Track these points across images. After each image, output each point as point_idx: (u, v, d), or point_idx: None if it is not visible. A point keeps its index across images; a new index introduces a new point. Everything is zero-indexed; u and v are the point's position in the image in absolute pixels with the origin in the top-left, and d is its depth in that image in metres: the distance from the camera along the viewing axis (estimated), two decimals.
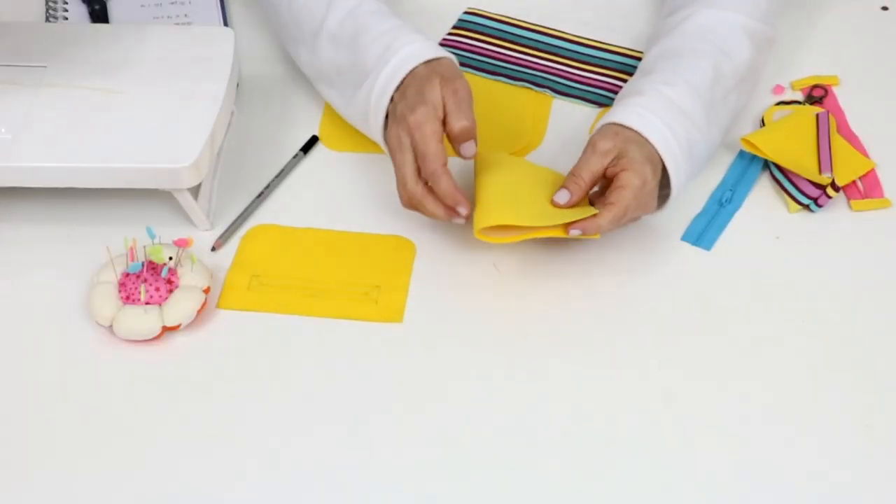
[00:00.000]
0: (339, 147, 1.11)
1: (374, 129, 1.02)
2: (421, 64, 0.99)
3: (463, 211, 0.96)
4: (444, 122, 0.97)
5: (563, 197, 0.96)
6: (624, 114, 0.99)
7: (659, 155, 0.97)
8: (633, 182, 0.95)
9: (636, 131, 0.97)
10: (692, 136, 0.99)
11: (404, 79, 0.99)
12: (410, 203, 0.98)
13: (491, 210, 0.96)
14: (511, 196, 0.98)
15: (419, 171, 0.97)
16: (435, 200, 0.97)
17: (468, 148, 0.98)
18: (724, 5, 1.06)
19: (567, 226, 0.96)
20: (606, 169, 0.96)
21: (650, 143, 0.97)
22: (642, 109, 0.98)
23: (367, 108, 1.02)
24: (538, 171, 1.03)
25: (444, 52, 1.01)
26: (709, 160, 1.04)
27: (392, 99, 1.00)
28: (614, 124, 0.99)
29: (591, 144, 0.98)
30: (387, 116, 1.01)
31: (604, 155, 0.96)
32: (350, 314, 0.98)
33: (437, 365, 0.94)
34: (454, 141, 0.98)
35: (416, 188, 0.97)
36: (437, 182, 0.96)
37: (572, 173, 0.97)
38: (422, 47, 1.01)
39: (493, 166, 1.00)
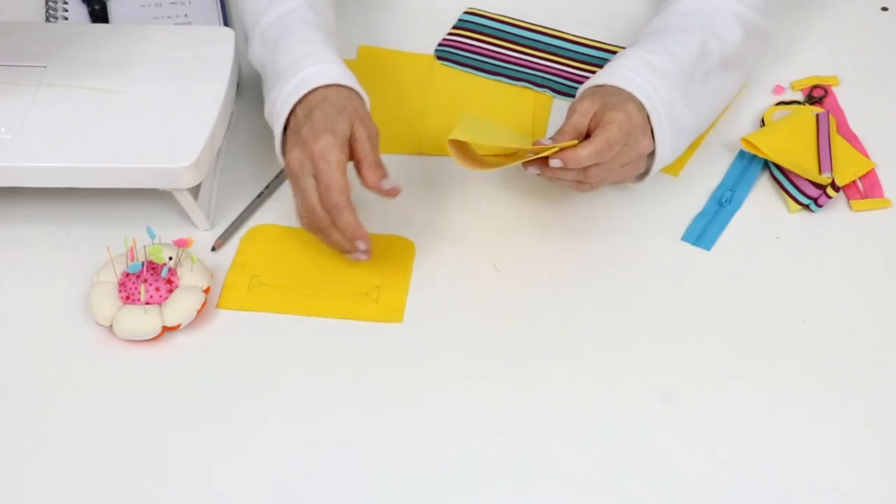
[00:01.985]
0: None
1: (276, 136, 1.00)
2: (330, 87, 0.97)
3: (361, 246, 0.95)
4: (355, 162, 0.96)
5: (545, 143, 0.96)
6: (603, 76, 0.99)
7: (640, 102, 0.96)
8: (616, 117, 0.94)
9: (615, 86, 0.97)
10: (674, 100, 0.99)
11: (308, 94, 0.97)
12: (314, 227, 0.97)
13: (464, 129, 0.96)
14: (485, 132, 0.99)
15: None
16: (339, 233, 0.96)
17: (386, 184, 0.96)
18: None
19: (549, 157, 0.94)
20: (590, 125, 0.96)
21: (628, 93, 0.97)
22: (622, 69, 0.99)
23: (272, 113, 1.00)
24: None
25: (358, 86, 0.99)
26: (692, 137, 1.03)
27: (293, 111, 0.98)
28: (593, 86, 0.99)
29: (570, 108, 0.98)
30: (285, 129, 0.99)
31: (584, 114, 0.96)
32: (350, 314, 0.98)
33: (436, 365, 0.94)
34: (367, 186, 0.96)
35: (323, 215, 0.95)
36: (339, 215, 0.94)
37: (558, 130, 0.97)
38: (336, 70, 0.98)
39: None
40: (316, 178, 0.94)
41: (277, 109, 0.99)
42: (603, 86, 0.98)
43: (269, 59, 1.03)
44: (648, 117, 0.97)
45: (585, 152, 0.94)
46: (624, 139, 0.95)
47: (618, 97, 0.96)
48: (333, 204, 0.94)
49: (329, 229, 0.96)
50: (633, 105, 0.96)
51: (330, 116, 0.95)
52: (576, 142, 0.95)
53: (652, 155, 0.99)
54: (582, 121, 0.96)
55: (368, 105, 1.00)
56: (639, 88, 0.97)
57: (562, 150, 0.94)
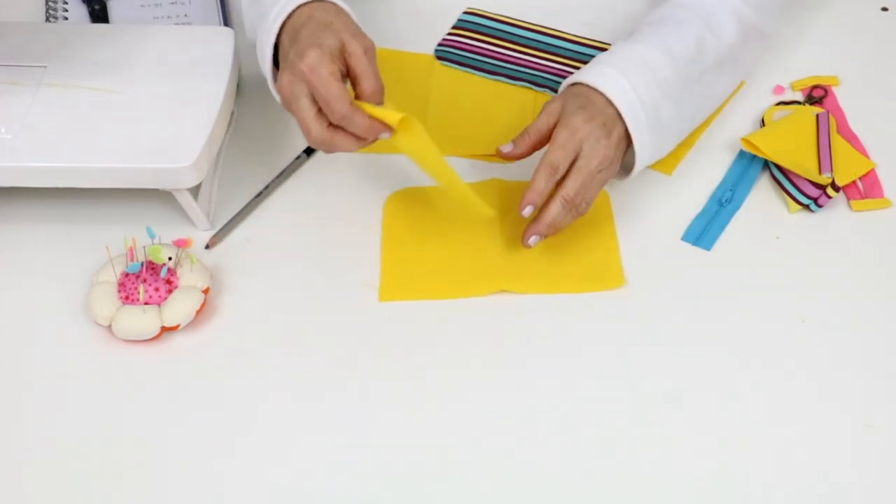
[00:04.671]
0: None
1: (266, 74, 0.97)
2: (313, 3, 0.93)
3: (385, 136, 0.93)
4: (352, 79, 0.93)
5: (506, 147, 0.97)
6: (582, 72, 0.99)
7: (607, 99, 0.96)
8: (560, 135, 0.95)
9: (584, 83, 0.97)
10: (656, 98, 0.98)
11: (291, 15, 0.94)
12: (320, 144, 0.93)
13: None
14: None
15: (320, 114, 0.91)
16: (346, 135, 0.92)
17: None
18: None
19: (526, 217, 0.97)
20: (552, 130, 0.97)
21: (593, 90, 0.97)
22: (604, 66, 0.98)
23: (262, 41, 0.97)
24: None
25: (344, 4, 0.96)
26: (680, 136, 1.03)
27: (279, 41, 0.95)
28: (571, 83, 0.99)
29: (543, 106, 0.98)
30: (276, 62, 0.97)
31: (549, 114, 0.97)
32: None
33: (436, 365, 0.94)
34: (365, 100, 0.93)
35: (324, 133, 0.91)
36: (351, 123, 0.90)
37: (523, 130, 0.98)
38: None
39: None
40: (312, 93, 0.90)
41: (262, 42, 0.96)
42: (578, 83, 0.98)
43: (256, 6, 1.00)
44: (620, 116, 0.96)
45: (540, 182, 0.94)
46: (570, 155, 0.95)
47: (574, 103, 0.96)
48: (341, 116, 0.90)
49: (335, 140, 0.92)
50: (581, 116, 0.95)
51: (316, 33, 0.92)
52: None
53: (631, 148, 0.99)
54: (548, 121, 0.97)
55: (357, 21, 0.97)
56: (614, 86, 0.96)
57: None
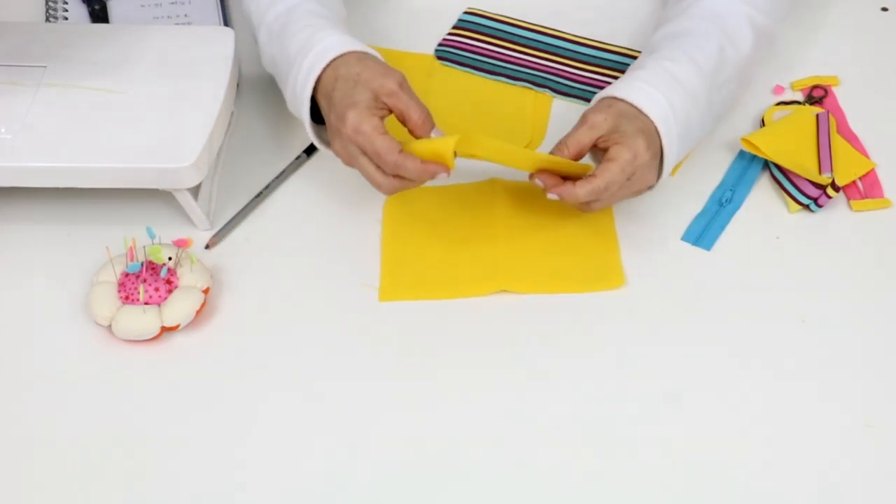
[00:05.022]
0: None
1: (307, 129, 1.01)
2: (336, 61, 0.96)
3: (444, 175, 0.94)
4: (397, 117, 0.95)
5: (539, 182, 0.96)
6: (623, 88, 0.98)
7: (655, 128, 0.96)
8: (622, 155, 0.93)
9: (631, 104, 0.96)
10: (690, 114, 0.98)
11: (320, 79, 0.97)
12: (393, 192, 0.97)
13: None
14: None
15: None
16: (412, 178, 0.95)
17: (436, 133, 0.95)
18: None
19: (547, 190, 0.96)
20: (598, 142, 0.95)
21: (645, 116, 0.96)
22: (642, 83, 0.97)
23: (295, 102, 1.01)
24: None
25: (365, 47, 0.99)
26: (697, 144, 1.03)
27: (316, 101, 0.99)
28: (611, 97, 0.98)
29: (583, 117, 0.97)
30: (316, 110, 1.00)
31: (593, 127, 0.95)
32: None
33: (436, 365, 0.94)
34: (418, 133, 0.95)
35: (391, 181, 0.95)
36: (404, 170, 0.93)
37: (560, 142, 0.96)
38: (336, 40, 0.98)
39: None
40: (363, 151, 0.94)
41: (298, 104, 0.99)
42: (621, 100, 0.97)
43: (278, 51, 1.03)
44: (661, 144, 0.96)
45: (583, 191, 0.94)
46: (625, 178, 0.94)
47: (630, 126, 0.95)
48: (392, 165, 0.93)
49: (404, 184, 0.95)
50: (642, 141, 0.94)
51: (347, 91, 0.95)
52: (586, 166, 0.96)
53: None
54: (591, 134, 0.95)
55: (380, 56, 0.99)
56: (657, 108, 0.96)
57: (562, 177, 0.96)
